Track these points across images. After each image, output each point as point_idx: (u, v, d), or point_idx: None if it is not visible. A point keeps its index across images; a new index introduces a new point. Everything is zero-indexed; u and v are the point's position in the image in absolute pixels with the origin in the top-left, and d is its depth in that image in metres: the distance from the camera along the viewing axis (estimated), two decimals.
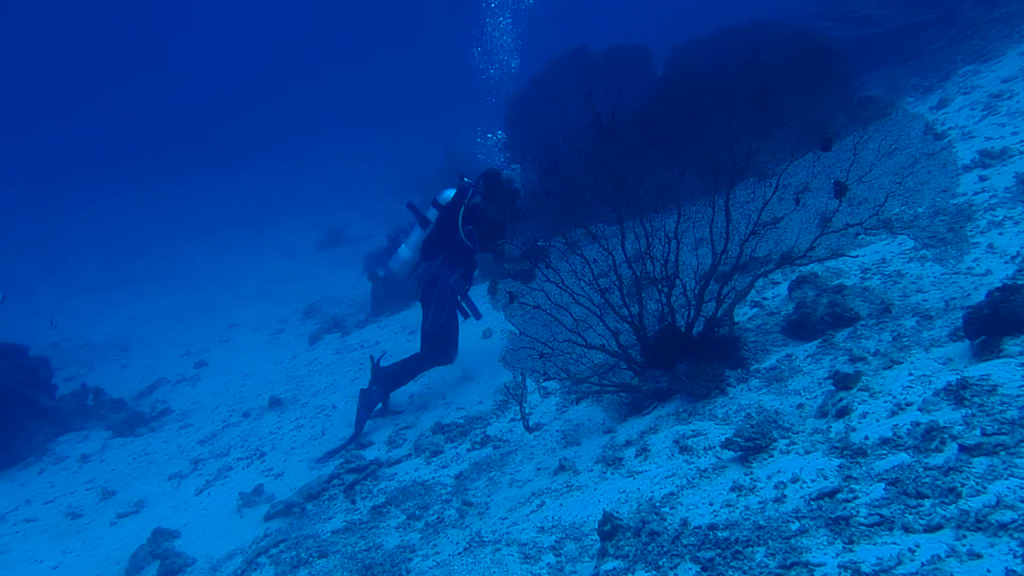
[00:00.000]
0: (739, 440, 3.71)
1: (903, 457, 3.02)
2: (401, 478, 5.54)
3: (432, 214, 6.90)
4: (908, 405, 3.39)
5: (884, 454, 3.13)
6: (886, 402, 3.51)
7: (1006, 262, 4.41)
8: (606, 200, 4.97)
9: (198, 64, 60.84)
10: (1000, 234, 4.77)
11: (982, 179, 5.87)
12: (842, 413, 3.62)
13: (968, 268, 4.53)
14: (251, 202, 28.50)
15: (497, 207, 6.70)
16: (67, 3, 54.20)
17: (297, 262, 18.29)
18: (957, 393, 3.21)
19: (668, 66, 5.41)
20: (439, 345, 6.94)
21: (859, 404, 3.61)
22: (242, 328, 12.98)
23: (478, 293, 8.19)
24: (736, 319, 5.05)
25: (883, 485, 2.89)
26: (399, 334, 9.74)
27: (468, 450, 5.62)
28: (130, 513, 6.70)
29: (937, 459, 2.90)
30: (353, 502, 5.41)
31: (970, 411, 3.08)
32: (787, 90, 4.20)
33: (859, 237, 4.64)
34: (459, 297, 6.97)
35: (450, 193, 6.87)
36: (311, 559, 4.62)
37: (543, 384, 5.83)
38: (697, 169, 4.94)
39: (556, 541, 3.68)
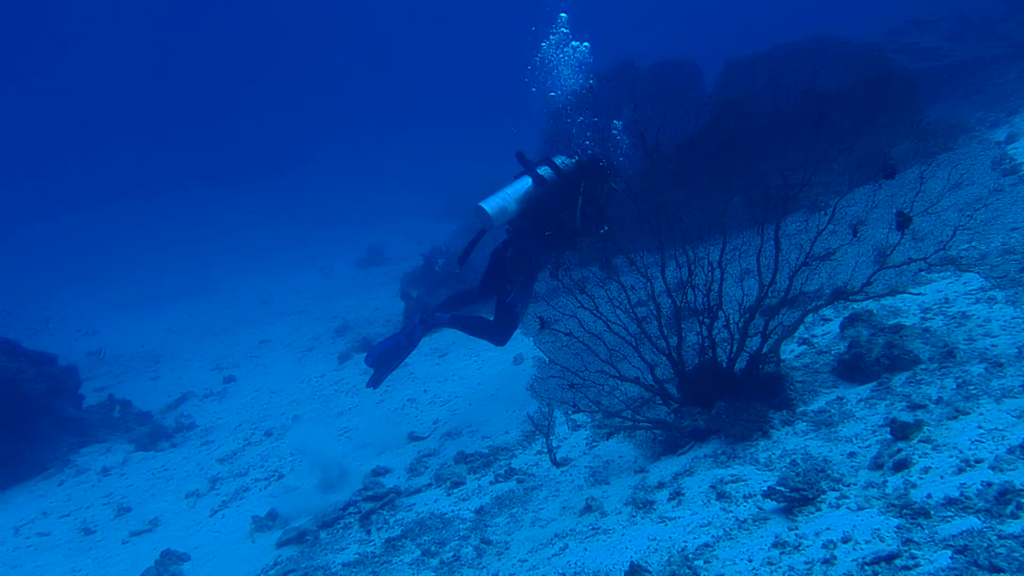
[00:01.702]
0: (783, 490, 3.38)
1: (973, 521, 2.67)
2: (420, 509, 5.28)
3: (545, 171, 6.05)
4: (978, 462, 3.03)
5: (950, 516, 2.78)
6: (951, 457, 3.15)
7: None
8: (648, 225, 4.70)
9: (250, 73, 62.20)
10: None
11: None
12: (900, 466, 3.27)
13: None
14: (296, 217, 28.79)
15: (600, 192, 5.94)
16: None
17: (334, 280, 18.26)
18: None
19: (719, 84, 5.14)
20: (509, 326, 6.33)
21: (920, 457, 3.25)
22: (273, 344, 12.89)
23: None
24: (782, 356, 4.71)
25: (949, 553, 2.55)
26: (428, 356, 9.51)
27: (491, 483, 5.34)
28: (143, 531, 6.53)
29: (1014, 527, 2.55)
30: (368, 532, 5.15)
31: None
32: (848, 114, 3.90)
33: (920, 274, 4.29)
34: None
35: (568, 160, 6.04)
36: None
37: (572, 416, 5.53)
38: (745, 197, 4.65)
39: None
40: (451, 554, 4.37)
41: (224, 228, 28.85)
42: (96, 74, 61.57)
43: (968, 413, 3.46)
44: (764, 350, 4.57)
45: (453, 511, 5.04)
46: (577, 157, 6.05)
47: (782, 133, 4.46)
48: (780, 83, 4.64)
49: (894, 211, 4.20)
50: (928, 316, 4.78)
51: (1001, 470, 2.88)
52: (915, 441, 3.39)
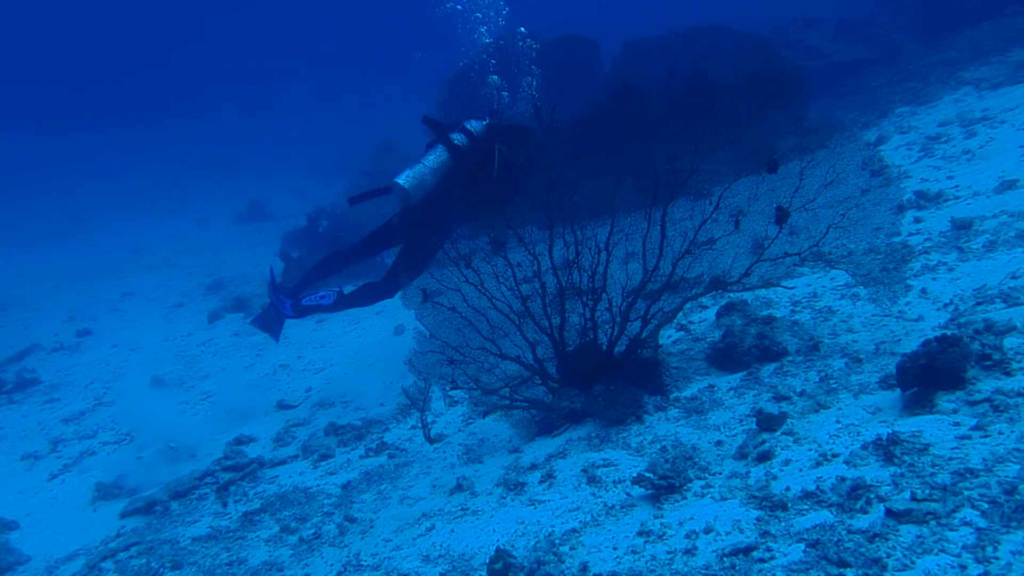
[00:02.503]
0: (651, 476, 3.40)
1: (826, 515, 2.75)
2: (283, 482, 5.04)
3: (459, 139, 5.60)
4: (834, 456, 3.13)
5: (805, 510, 2.86)
6: (811, 450, 3.25)
7: (938, 309, 4.25)
8: (538, 202, 4.62)
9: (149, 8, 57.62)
10: (933, 279, 4.63)
11: (917, 220, 5.78)
12: (763, 457, 3.35)
13: (900, 312, 4.35)
14: (185, 165, 27.02)
15: (516, 156, 5.55)
16: None
17: (212, 233, 17.32)
18: (887, 448, 2.96)
19: (617, 64, 5.08)
20: (394, 286, 5.88)
21: (782, 450, 3.34)
22: (138, 297, 12.06)
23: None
24: (660, 342, 4.76)
25: (803, 547, 2.62)
26: (305, 320, 9.14)
27: (361, 457, 5.17)
28: None
29: (862, 522, 2.64)
30: (224, 504, 4.88)
31: (899, 470, 2.83)
32: (738, 105, 3.93)
33: (793, 268, 4.42)
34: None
35: (479, 125, 5.61)
36: (162, 570, 4.09)
37: (450, 392, 5.43)
38: (636, 180, 4.64)
39: (441, 574, 3.28)
40: (312, 531, 4.19)
41: (102, 171, 26.81)
42: None
43: (828, 407, 3.59)
44: (644, 335, 4.60)
45: (318, 485, 4.84)
46: (488, 120, 5.67)
47: (674, 119, 4.45)
48: (675, 68, 4.62)
49: (774, 205, 4.29)
50: (798, 309, 4.95)
51: (855, 465, 2.98)
52: (779, 433, 3.48)
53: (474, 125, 5.66)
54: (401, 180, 5.47)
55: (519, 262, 4.68)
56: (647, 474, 3.42)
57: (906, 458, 2.88)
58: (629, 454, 3.90)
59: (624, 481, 3.61)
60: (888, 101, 10.75)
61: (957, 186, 6.24)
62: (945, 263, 4.79)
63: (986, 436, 2.79)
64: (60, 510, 5.36)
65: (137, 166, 27.25)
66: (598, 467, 3.80)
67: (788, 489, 3.00)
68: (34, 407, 7.86)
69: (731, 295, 4.94)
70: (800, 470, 3.14)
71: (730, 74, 4.51)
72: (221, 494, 5.03)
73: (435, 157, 5.58)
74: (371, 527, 4.05)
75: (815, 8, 17.50)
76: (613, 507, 3.40)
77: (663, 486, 3.37)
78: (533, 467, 4.10)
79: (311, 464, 5.24)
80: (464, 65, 5.33)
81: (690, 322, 5.42)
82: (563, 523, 3.39)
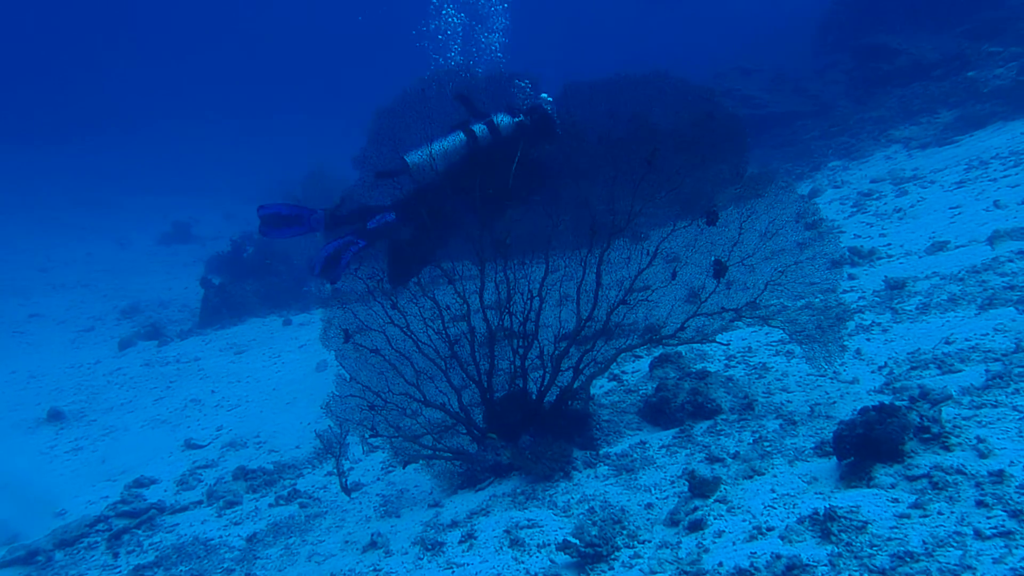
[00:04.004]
0: (577, 544, 3.18)
1: None
2: (183, 531, 4.64)
3: (480, 130, 5.19)
4: (769, 530, 2.96)
5: None
6: (744, 521, 3.08)
7: (873, 372, 4.18)
8: (470, 241, 4.41)
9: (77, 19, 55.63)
10: (868, 340, 4.58)
11: (852, 277, 5.78)
12: (695, 527, 3.16)
13: (835, 373, 4.27)
14: (104, 178, 25.86)
15: (537, 155, 5.14)
16: None
17: (130, 253, 16.53)
18: (824, 525, 2.81)
19: (557, 104, 4.94)
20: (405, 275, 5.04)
21: (715, 519, 3.17)
22: (45, 320, 11.31)
23: None
24: (591, 392, 4.58)
25: None
26: (224, 352, 8.68)
27: (270, 505, 4.80)
28: None
29: None
30: (115, 556, 4.45)
31: (836, 549, 2.68)
32: (679, 152, 3.82)
33: (730, 323, 4.31)
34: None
35: (507, 120, 5.19)
36: None
37: (370, 440, 5.12)
38: (573, 221, 4.48)
39: None
40: None
41: (16, 184, 25.43)
42: None
43: (763, 473, 3.44)
44: (575, 385, 4.41)
45: (221, 537, 4.46)
46: (521, 117, 5.23)
47: (613, 162, 4.34)
48: (616, 112, 4.51)
49: (712, 257, 4.18)
50: (732, 363, 4.84)
51: (791, 541, 2.82)
52: (711, 500, 3.31)
53: (502, 119, 5.24)
54: (409, 156, 5.09)
55: (447, 304, 4.46)
56: (573, 540, 3.20)
57: (843, 536, 2.73)
58: (555, 514, 3.68)
59: (549, 545, 3.39)
60: (821, 154, 11.00)
61: (889, 244, 6.30)
62: (879, 323, 4.76)
63: (925, 515, 2.66)
64: None
65: (57, 180, 25.96)
66: (522, 527, 3.57)
67: (721, 565, 2.82)
68: None
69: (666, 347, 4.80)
70: (733, 543, 2.96)
71: (672, 119, 4.42)
72: (112, 543, 4.59)
73: (449, 141, 5.18)
74: None
75: (752, 57, 18.01)
76: (535, 575, 3.17)
77: (590, 554, 3.15)
78: (454, 524, 3.83)
79: (216, 512, 4.85)
80: (400, 96, 5.09)
81: (623, 371, 5.26)
82: None
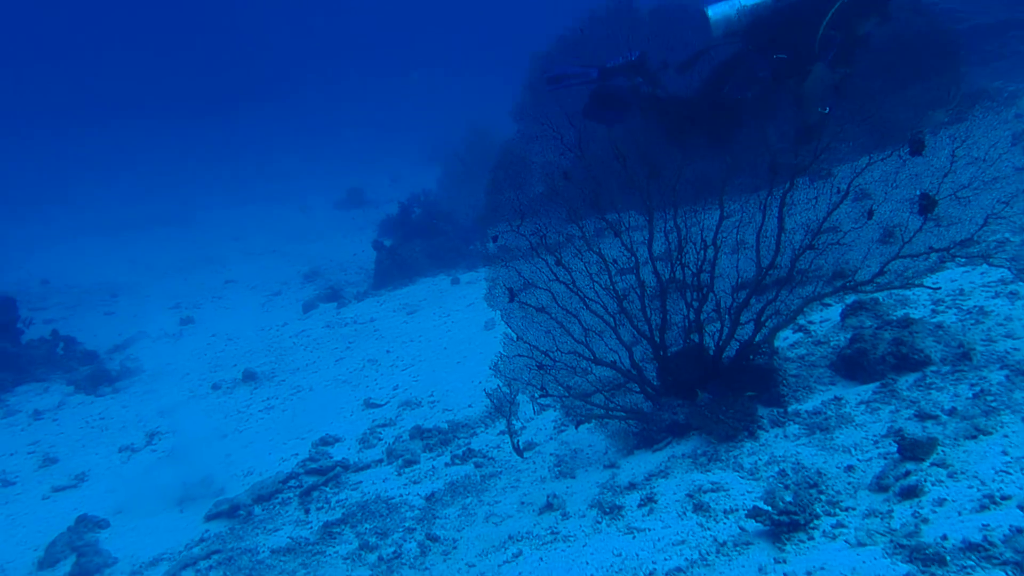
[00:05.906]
0: (770, 511, 2.91)
1: None
2: (366, 488, 4.81)
3: None
4: (1004, 499, 2.56)
5: (971, 567, 2.32)
6: (971, 488, 2.69)
7: None
8: (636, 190, 4.14)
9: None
10: None
11: None
12: (909, 494, 2.80)
13: None
14: (286, 150, 27.67)
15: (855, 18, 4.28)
16: None
17: (312, 219, 17.52)
18: None
19: None
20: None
21: (933, 485, 2.79)
22: (239, 286, 12.26)
23: None
24: (775, 345, 4.22)
25: None
26: (397, 312, 8.97)
27: (447, 464, 4.87)
28: (67, 487, 6.02)
29: None
30: (307, 512, 4.69)
31: None
32: (875, 75, 3.33)
33: (940, 264, 3.79)
34: None
35: None
36: None
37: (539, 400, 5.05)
38: (748, 162, 4.09)
39: None
40: (392, 549, 3.91)
41: (212, 157, 27.81)
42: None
43: (990, 433, 2.99)
44: (757, 339, 4.07)
45: (402, 495, 4.57)
46: None
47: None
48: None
49: (916, 192, 3.66)
50: (940, 309, 4.29)
51: None
52: (927, 464, 2.93)
53: None
54: (709, 8, 4.68)
55: (614, 258, 4.23)
56: (765, 507, 2.93)
57: None
58: (742, 477, 3.42)
59: (737, 511, 3.14)
60: None
61: None
62: None
63: None
64: (148, 508, 5.31)
65: (239, 152, 28.10)
66: (706, 492, 3.35)
67: (945, 538, 2.46)
68: (134, 397, 8.01)
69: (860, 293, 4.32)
70: (959, 514, 2.59)
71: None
72: (304, 500, 4.85)
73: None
74: (454, 548, 3.73)
75: None
76: (725, 544, 2.94)
77: (784, 522, 2.87)
78: (631, 487, 3.67)
79: (395, 470, 4.99)
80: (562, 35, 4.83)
81: (810, 322, 4.82)
82: (666, 559, 2.96)
